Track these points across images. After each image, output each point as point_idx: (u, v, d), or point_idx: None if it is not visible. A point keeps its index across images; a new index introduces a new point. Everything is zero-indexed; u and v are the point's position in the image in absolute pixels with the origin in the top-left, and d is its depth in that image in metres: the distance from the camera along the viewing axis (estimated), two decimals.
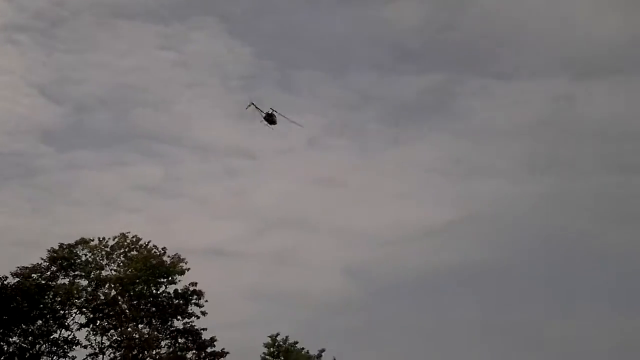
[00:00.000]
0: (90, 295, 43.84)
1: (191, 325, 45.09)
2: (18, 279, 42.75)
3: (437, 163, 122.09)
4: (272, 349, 45.54)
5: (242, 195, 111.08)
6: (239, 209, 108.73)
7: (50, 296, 43.13)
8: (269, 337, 46.05)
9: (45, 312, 42.88)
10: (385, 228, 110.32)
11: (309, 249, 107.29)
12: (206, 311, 45.16)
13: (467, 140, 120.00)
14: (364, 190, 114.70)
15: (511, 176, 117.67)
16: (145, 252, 44.83)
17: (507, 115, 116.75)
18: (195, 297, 45.23)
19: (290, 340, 45.61)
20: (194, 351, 44.54)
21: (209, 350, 44.71)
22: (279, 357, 44.97)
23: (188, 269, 45.30)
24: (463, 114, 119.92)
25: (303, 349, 45.39)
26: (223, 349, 44.82)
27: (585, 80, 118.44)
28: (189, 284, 45.26)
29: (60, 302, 43.18)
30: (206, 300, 45.33)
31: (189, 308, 45.14)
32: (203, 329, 44.99)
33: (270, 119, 40.64)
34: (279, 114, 40.67)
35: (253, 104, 40.45)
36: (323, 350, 45.17)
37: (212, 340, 44.87)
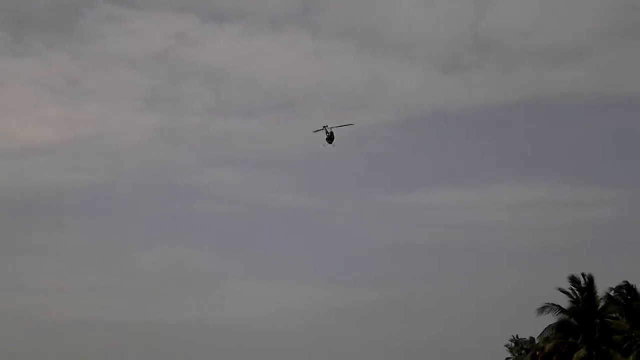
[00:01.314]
0: None
1: None
2: None
3: (50, 82, 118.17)
4: None
5: None
6: None
7: None
8: None
9: None
10: None
11: None
12: None
13: (88, 64, 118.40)
14: None
15: (129, 106, 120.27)
16: None
17: (132, 45, 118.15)
18: None
19: None
20: None
21: None
22: None
23: None
24: (88, 37, 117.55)
25: None
26: None
27: (211, 22, 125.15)
28: None
29: None
30: None
31: None
32: None
33: (331, 137, 45.55)
34: (332, 127, 45.57)
35: (325, 127, 45.17)
36: None
37: None
